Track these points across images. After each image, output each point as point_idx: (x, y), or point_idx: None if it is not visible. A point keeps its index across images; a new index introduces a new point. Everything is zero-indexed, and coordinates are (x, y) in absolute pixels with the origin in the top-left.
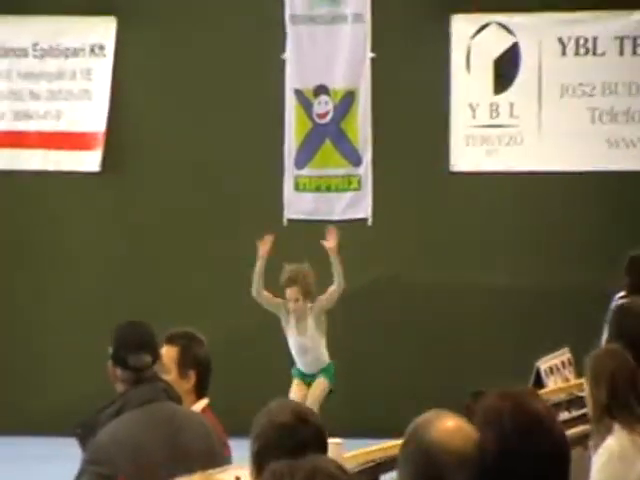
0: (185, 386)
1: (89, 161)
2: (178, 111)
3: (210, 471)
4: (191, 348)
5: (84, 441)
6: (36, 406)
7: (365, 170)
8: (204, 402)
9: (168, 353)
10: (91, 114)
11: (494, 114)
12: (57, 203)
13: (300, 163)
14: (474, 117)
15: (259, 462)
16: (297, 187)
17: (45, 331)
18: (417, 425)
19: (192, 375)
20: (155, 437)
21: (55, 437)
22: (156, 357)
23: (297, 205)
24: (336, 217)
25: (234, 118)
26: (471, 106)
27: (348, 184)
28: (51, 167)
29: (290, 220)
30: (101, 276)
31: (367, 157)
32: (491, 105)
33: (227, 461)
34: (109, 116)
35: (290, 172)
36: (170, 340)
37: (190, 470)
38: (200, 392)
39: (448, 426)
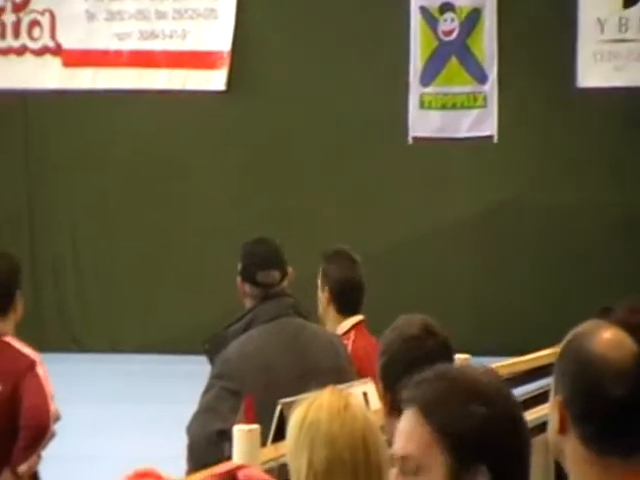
0: (324, 301)
1: (215, 80)
2: (304, 30)
3: (338, 387)
4: (329, 265)
5: (212, 356)
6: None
7: (491, 87)
8: (355, 319)
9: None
10: (217, 33)
11: (623, 29)
12: (182, 122)
13: (425, 81)
14: (602, 32)
15: (385, 375)
16: (422, 105)
17: (175, 256)
18: (575, 336)
19: (326, 290)
20: (283, 352)
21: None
22: (284, 273)
23: (422, 123)
24: (461, 135)
25: (359, 36)
26: (599, 21)
27: (474, 101)
28: (177, 86)
29: (415, 138)
30: (226, 195)
31: (493, 74)
32: (620, 19)
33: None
34: (234, 35)
35: (415, 90)
36: (323, 258)
37: (318, 386)
38: (345, 310)
39: (607, 338)
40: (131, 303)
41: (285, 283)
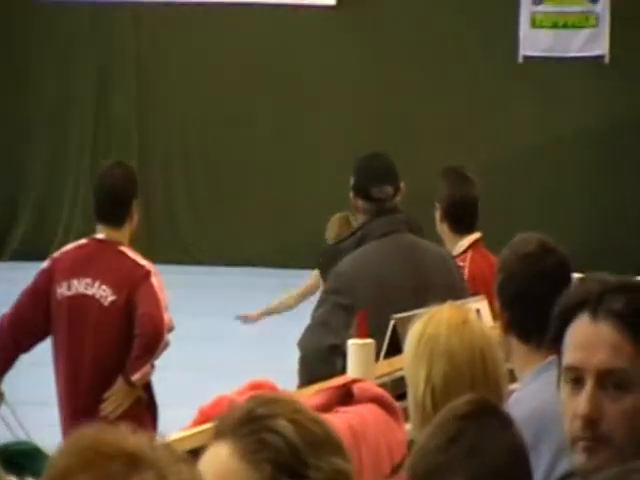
0: (437, 216)
1: None
2: None
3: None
4: (441, 183)
5: (326, 270)
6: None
7: (602, 7)
8: (473, 237)
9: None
10: None
11: None
12: (294, 37)
13: (537, 0)
14: None
15: (502, 293)
16: (533, 23)
17: (289, 169)
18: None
19: (438, 207)
20: (396, 268)
21: None
22: (397, 189)
23: (533, 42)
24: (572, 54)
25: None
26: None
27: (585, 21)
28: (289, 0)
29: (526, 57)
30: (339, 111)
31: None
32: None
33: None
34: None
35: (526, 8)
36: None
37: (431, 302)
38: (460, 228)
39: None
40: (241, 216)
41: (398, 198)
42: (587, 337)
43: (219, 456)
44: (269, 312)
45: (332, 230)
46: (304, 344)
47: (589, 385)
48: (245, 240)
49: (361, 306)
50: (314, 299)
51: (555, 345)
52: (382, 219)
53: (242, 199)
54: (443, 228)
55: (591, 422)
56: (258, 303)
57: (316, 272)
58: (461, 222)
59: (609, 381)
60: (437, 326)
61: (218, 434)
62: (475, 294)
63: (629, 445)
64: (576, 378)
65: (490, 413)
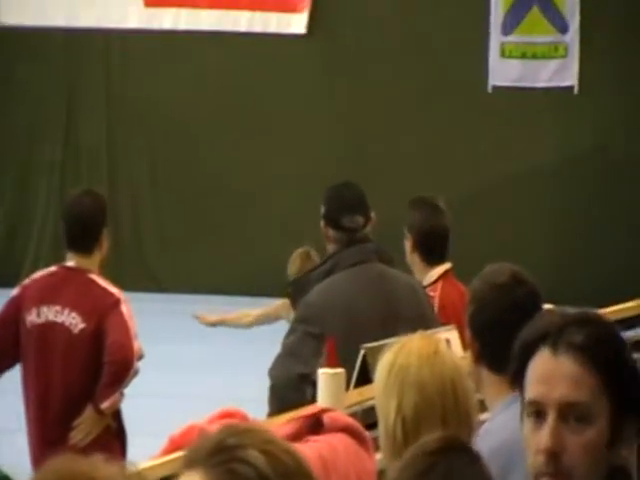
0: (408, 248)
1: (296, 23)
2: None
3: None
4: (412, 213)
5: (295, 300)
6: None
7: (572, 38)
8: (443, 268)
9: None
10: None
11: None
12: (263, 65)
13: (506, 29)
14: None
15: (473, 323)
16: (503, 54)
17: (256, 198)
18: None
19: (410, 237)
20: (366, 297)
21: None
22: (368, 219)
23: (502, 72)
24: (541, 84)
25: None
26: None
27: (555, 51)
28: (258, 29)
29: (495, 87)
30: (307, 140)
31: (574, 25)
32: None
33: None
34: None
35: (496, 38)
36: (409, 205)
37: (400, 332)
38: (431, 259)
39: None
40: (210, 243)
41: (368, 228)
42: (548, 371)
43: None
44: (224, 322)
45: (294, 266)
46: (274, 373)
47: (551, 419)
48: (212, 268)
49: (330, 335)
50: (269, 328)
51: (517, 380)
52: (352, 249)
53: (209, 227)
54: (414, 258)
55: (554, 456)
56: (225, 331)
57: (279, 302)
58: (432, 252)
59: (571, 414)
60: (408, 356)
61: (189, 463)
62: (445, 324)
63: (588, 478)
64: (537, 412)
65: (459, 449)
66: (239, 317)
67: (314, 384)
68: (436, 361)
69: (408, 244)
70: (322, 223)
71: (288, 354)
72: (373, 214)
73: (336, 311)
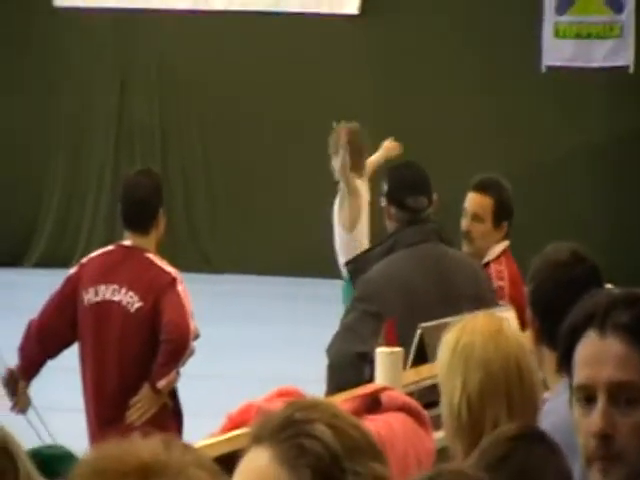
0: (496, 236)
1: (348, 4)
2: None
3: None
4: (505, 199)
5: (355, 278)
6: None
7: (628, 17)
8: (504, 244)
9: (481, 202)
10: None
11: None
12: (315, 45)
13: (561, 9)
14: None
15: (534, 301)
16: (557, 34)
17: (304, 180)
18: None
19: (504, 226)
20: (426, 277)
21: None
22: (431, 199)
23: (556, 52)
24: (596, 64)
25: None
26: None
27: (610, 31)
28: (311, 9)
29: (549, 67)
30: (359, 121)
31: (630, 4)
32: None
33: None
34: None
35: (550, 18)
36: (482, 188)
37: (459, 311)
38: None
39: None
40: (261, 224)
41: (430, 209)
42: (595, 353)
43: (258, 461)
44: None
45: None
46: (332, 351)
47: (601, 401)
48: (263, 249)
49: (389, 314)
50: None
51: (564, 364)
52: (413, 228)
53: (260, 208)
54: (491, 234)
55: (606, 439)
56: (278, 311)
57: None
58: (508, 231)
59: (621, 396)
60: (472, 334)
61: (256, 439)
62: (517, 298)
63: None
64: (587, 396)
65: (539, 438)
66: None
67: (372, 363)
68: (500, 339)
69: (503, 228)
70: (384, 201)
71: (346, 332)
72: (435, 195)
73: (395, 289)
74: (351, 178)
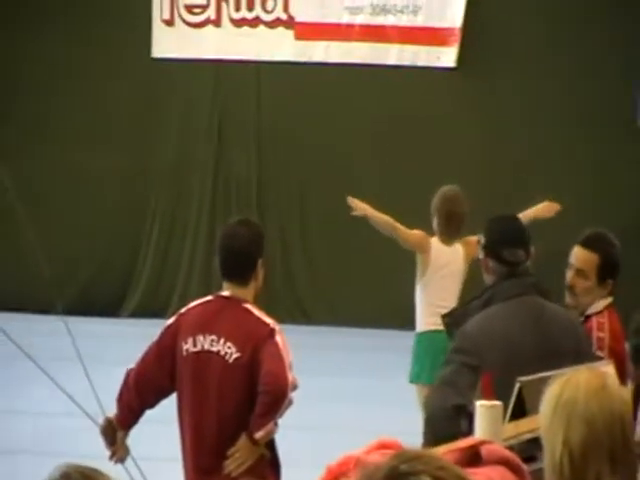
0: (601, 292)
1: (445, 57)
2: (540, 7)
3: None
4: (612, 256)
5: (452, 331)
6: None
7: None
8: (609, 299)
9: (587, 258)
10: (449, 8)
11: None
12: (412, 98)
13: None
14: None
15: (637, 359)
16: None
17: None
18: None
19: (610, 283)
20: (525, 331)
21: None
22: (528, 252)
23: None
24: None
25: (593, 12)
26: None
27: None
28: (407, 62)
29: None
30: (456, 172)
31: None
32: None
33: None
34: (466, 11)
35: None
36: (588, 244)
37: (558, 366)
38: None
39: None
40: (359, 275)
41: (529, 263)
42: None
43: None
44: (371, 213)
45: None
46: (430, 403)
47: None
48: (358, 301)
49: (487, 367)
50: None
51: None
52: (511, 281)
53: (358, 258)
54: (594, 289)
55: None
56: (373, 364)
57: (417, 232)
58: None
59: None
60: (575, 390)
61: None
62: (618, 355)
63: None
64: None
65: None
66: (384, 219)
67: (470, 416)
68: (604, 395)
69: (608, 285)
70: (481, 254)
71: (444, 385)
72: (533, 248)
73: (495, 343)
74: (404, 233)
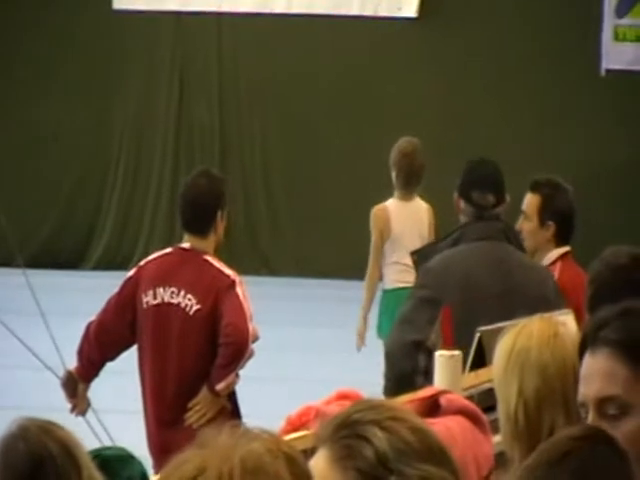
0: (545, 235)
1: (407, 7)
2: None
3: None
4: (554, 198)
5: (418, 267)
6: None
7: None
8: (562, 250)
9: (531, 201)
10: None
11: None
12: (374, 49)
13: (621, 12)
14: None
15: (593, 306)
16: (617, 37)
17: (365, 183)
18: None
19: (552, 225)
20: (486, 270)
21: None
22: (501, 199)
23: (616, 55)
24: None
25: None
26: None
27: None
28: (369, 12)
29: (608, 70)
30: (417, 123)
31: None
32: None
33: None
34: None
35: (609, 22)
36: (534, 188)
37: (518, 309)
38: (560, 241)
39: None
40: (322, 227)
41: (500, 209)
42: (586, 371)
43: (318, 461)
44: (366, 314)
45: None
46: (389, 340)
47: (590, 415)
48: (322, 252)
49: (445, 301)
50: None
51: None
52: (480, 224)
53: (320, 210)
54: (543, 237)
55: None
56: (336, 315)
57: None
58: (564, 236)
59: (608, 408)
60: (528, 339)
61: (318, 440)
62: (571, 301)
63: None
64: (586, 413)
65: (605, 441)
66: (372, 292)
67: (429, 351)
68: (557, 344)
69: (548, 228)
70: (455, 194)
71: (403, 321)
72: (508, 197)
73: (454, 279)
74: (377, 255)
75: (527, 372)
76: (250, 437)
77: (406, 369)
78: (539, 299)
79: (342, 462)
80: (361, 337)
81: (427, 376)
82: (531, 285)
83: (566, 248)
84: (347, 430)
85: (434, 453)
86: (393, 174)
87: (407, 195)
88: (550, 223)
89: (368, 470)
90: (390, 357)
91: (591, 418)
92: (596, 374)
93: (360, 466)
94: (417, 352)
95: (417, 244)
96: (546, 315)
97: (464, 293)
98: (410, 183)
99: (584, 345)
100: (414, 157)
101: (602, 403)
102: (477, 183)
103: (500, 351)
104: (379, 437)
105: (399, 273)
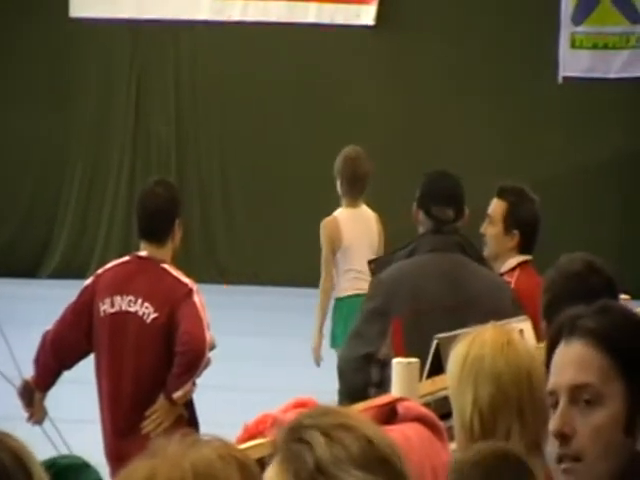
0: (508, 244)
1: (364, 15)
2: None
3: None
4: (520, 207)
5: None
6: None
7: None
8: (522, 258)
9: (497, 206)
10: None
11: None
12: (331, 56)
13: (577, 20)
14: None
15: (548, 313)
16: (573, 44)
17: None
18: None
19: (516, 234)
20: (436, 282)
21: None
22: (460, 213)
23: (573, 63)
24: (612, 75)
25: None
26: None
27: (626, 42)
28: (326, 20)
29: (565, 78)
30: (375, 130)
31: None
32: None
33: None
34: None
35: (566, 29)
36: (500, 194)
37: (471, 322)
38: (522, 250)
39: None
40: (276, 236)
41: (459, 223)
42: (561, 359)
43: (270, 466)
44: (321, 327)
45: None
46: (340, 356)
47: (561, 402)
48: (279, 261)
49: (395, 312)
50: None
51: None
52: (436, 236)
53: (278, 218)
54: (505, 245)
55: (564, 438)
56: (291, 324)
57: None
58: (528, 245)
59: (580, 397)
60: (481, 347)
61: (274, 446)
62: (528, 310)
63: (601, 461)
64: (555, 402)
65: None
66: (326, 306)
67: (382, 364)
68: (510, 351)
69: (512, 237)
70: (414, 206)
71: (353, 337)
72: (467, 210)
73: (404, 290)
74: (327, 265)
75: (481, 380)
76: (201, 444)
77: (358, 383)
78: (494, 311)
79: (285, 465)
80: (317, 352)
81: (380, 388)
82: (485, 297)
83: (527, 257)
84: (293, 434)
85: (377, 462)
86: (338, 182)
87: (353, 201)
88: (515, 232)
89: (305, 475)
90: (342, 373)
91: (562, 405)
92: (571, 362)
93: (297, 469)
94: (369, 365)
95: (367, 252)
96: (499, 323)
97: (414, 305)
98: (354, 189)
99: (558, 336)
100: (358, 163)
101: (575, 391)
102: (437, 197)
103: (454, 359)
104: (320, 442)
105: (352, 281)
